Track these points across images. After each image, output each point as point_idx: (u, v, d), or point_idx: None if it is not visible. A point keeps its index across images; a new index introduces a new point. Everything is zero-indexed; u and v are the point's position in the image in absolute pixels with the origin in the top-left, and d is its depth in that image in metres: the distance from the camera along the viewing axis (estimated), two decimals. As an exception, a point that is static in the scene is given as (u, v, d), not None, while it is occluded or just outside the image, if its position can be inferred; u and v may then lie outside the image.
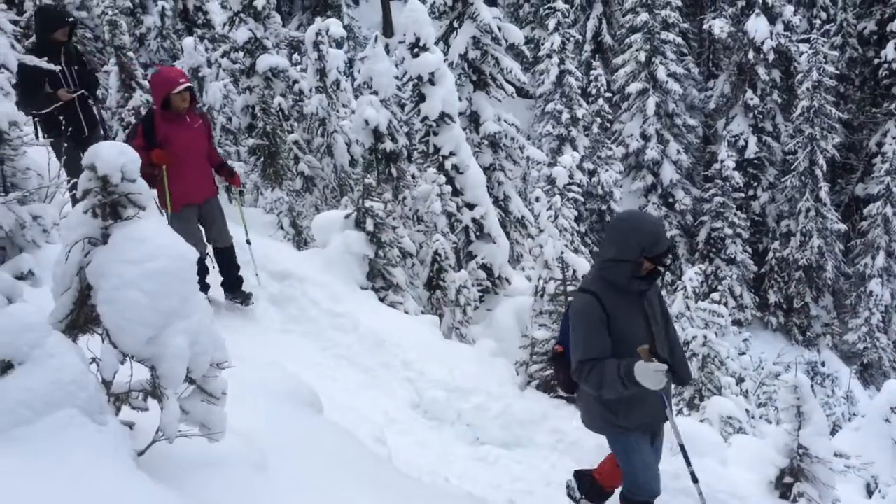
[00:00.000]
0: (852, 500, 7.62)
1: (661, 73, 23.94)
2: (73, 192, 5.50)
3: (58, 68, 6.47)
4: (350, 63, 21.62)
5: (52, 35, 6.57)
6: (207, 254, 6.49)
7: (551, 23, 22.42)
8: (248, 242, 7.05)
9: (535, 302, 9.87)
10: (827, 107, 22.35)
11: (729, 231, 23.06)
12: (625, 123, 25.00)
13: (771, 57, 23.83)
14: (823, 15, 25.12)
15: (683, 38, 25.76)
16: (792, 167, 23.21)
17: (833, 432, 11.62)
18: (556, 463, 6.03)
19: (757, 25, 23.67)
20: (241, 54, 11.86)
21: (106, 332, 2.65)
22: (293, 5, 29.75)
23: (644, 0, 23.97)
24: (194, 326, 2.73)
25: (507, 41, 12.60)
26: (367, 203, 8.34)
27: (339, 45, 13.05)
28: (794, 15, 24.24)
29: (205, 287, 6.42)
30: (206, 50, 12.38)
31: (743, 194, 24.02)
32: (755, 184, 24.68)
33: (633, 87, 24.34)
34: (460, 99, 11.62)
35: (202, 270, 6.40)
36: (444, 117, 10.60)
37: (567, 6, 23.34)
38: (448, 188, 10.54)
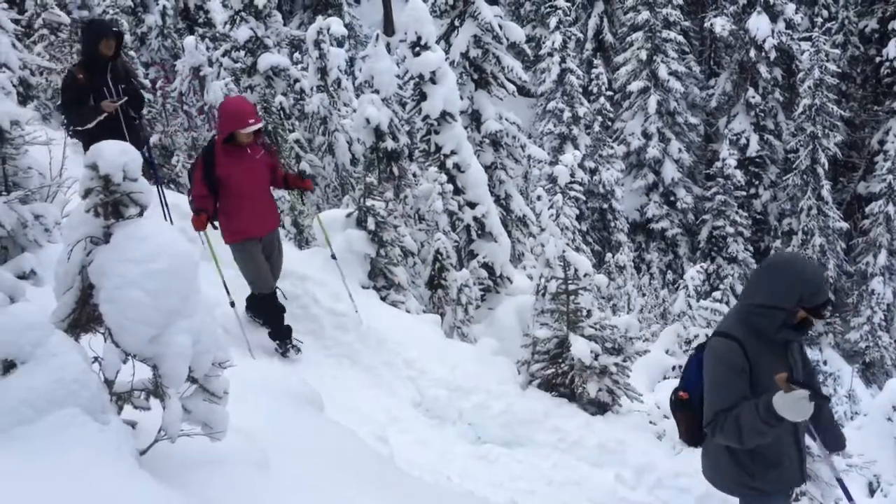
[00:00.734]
0: (854, 498, 7.62)
1: (663, 72, 23.92)
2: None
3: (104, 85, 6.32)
4: (351, 62, 21.62)
5: (96, 48, 6.30)
6: (278, 287, 6.19)
7: (552, 21, 22.40)
8: (334, 257, 6.88)
9: (537, 301, 9.86)
10: (829, 105, 22.32)
11: (730, 229, 23.03)
12: (626, 122, 24.98)
13: (772, 55, 23.80)
14: (825, 13, 25.08)
15: (685, 37, 25.73)
16: (794, 165, 23.18)
17: (835, 431, 11.59)
18: (557, 462, 6.04)
19: (758, 23, 23.64)
20: (242, 53, 11.86)
21: (108, 331, 2.65)
22: (294, 4, 29.76)
23: (645, -2, 23.96)
24: (196, 325, 2.74)
25: (508, 40, 12.59)
26: (369, 202, 8.34)
27: (340, 44, 13.06)
28: (796, 13, 24.20)
29: (287, 331, 6.22)
30: (207, 49, 12.39)
31: (745, 193, 23.99)
32: (757, 182, 24.65)
33: (635, 86, 24.32)
34: (461, 97, 11.62)
35: (277, 307, 6.15)
36: (445, 116, 10.59)
37: (568, 4, 23.34)
38: (449, 187, 10.54)
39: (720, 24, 24.78)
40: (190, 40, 11.57)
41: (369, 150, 10.40)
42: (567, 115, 22.26)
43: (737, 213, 23.15)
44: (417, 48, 10.37)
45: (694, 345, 10.52)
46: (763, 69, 24.07)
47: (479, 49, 12.33)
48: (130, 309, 2.56)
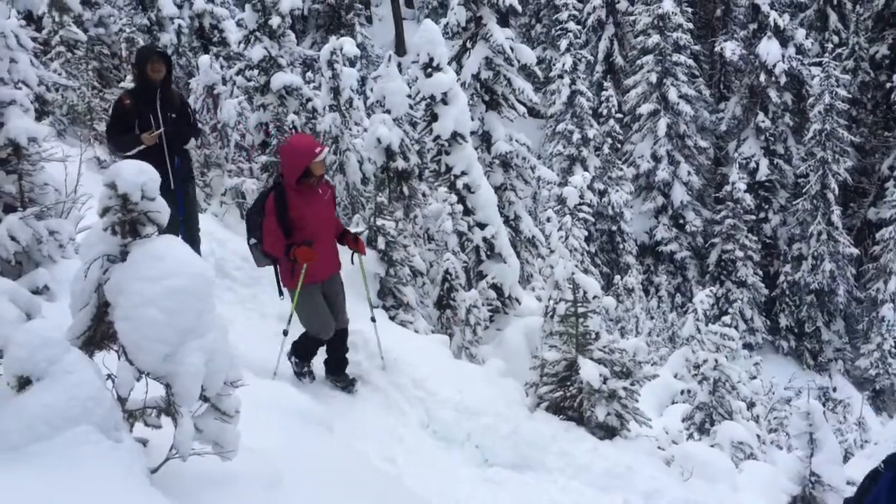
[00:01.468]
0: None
1: (673, 95, 24.00)
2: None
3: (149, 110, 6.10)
4: (363, 81, 21.75)
5: (144, 71, 6.07)
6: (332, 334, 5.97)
7: (563, 43, 22.54)
8: (373, 320, 6.49)
9: (545, 322, 9.87)
10: (839, 130, 22.33)
11: (740, 253, 22.97)
12: (635, 144, 25.03)
13: (783, 80, 23.86)
14: (835, 38, 25.15)
15: (695, 60, 25.83)
16: (803, 190, 23.16)
17: (845, 459, 11.50)
18: (564, 486, 6.00)
19: (769, 48, 23.72)
20: (255, 72, 11.93)
21: (122, 349, 2.67)
22: (307, 24, 30.01)
23: (656, 22, 24.07)
24: (210, 344, 2.75)
25: (519, 62, 12.67)
26: (379, 221, 8.37)
27: (352, 64, 13.12)
28: (807, 38, 24.28)
29: (351, 384, 6.16)
30: (222, 68, 12.47)
31: (754, 217, 23.96)
32: (766, 206, 24.62)
33: (645, 108, 24.40)
34: (472, 118, 11.68)
35: (342, 346, 6.06)
36: (456, 137, 10.65)
37: (579, 27, 23.47)
38: (459, 207, 10.56)
39: (730, 49, 24.88)
40: (204, 59, 11.64)
41: (380, 169, 10.44)
42: (577, 136, 22.34)
43: (746, 237, 23.11)
44: (429, 69, 10.45)
45: (703, 369, 10.44)
46: (773, 94, 24.12)
47: (490, 71, 12.41)
48: (145, 327, 2.58)
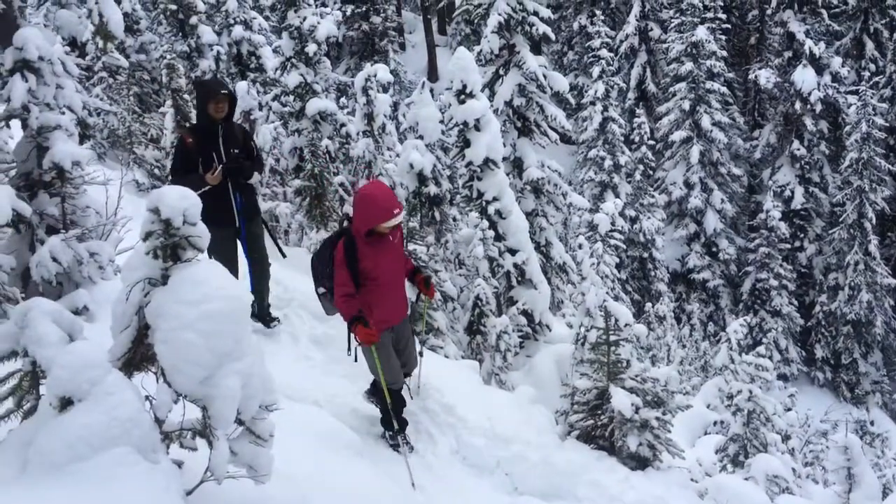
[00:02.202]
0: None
1: (706, 122, 23.86)
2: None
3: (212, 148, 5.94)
4: (395, 106, 21.96)
5: (205, 110, 5.91)
6: (405, 383, 5.81)
7: (595, 71, 22.59)
8: (421, 355, 6.25)
9: (576, 350, 9.80)
10: (876, 159, 22.00)
11: (774, 282, 22.63)
12: (668, 171, 24.88)
13: (818, 108, 23.61)
14: (872, 67, 24.86)
15: (729, 88, 25.68)
16: (840, 219, 22.80)
17: (884, 495, 11.19)
18: (595, 516, 5.92)
19: (804, 76, 23.52)
20: (291, 98, 12.14)
21: (161, 371, 2.72)
22: (341, 50, 30.47)
23: (689, 50, 24.03)
24: (246, 368, 2.79)
25: (551, 88, 12.74)
26: (410, 246, 8.41)
27: (385, 90, 13.29)
28: (843, 66, 24.04)
29: (403, 424, 5.85)
30: (258, 93, 12.71)
31: (789, 245, 23.63)
32: (802, 235, 24.27)
33: (677, 135, 24.28)
34: (504, 145, 11.73)
35: (401, 399, 5.77)
36: (488, 163, 10.70)
37: (611, 55, 23.51)
38: (491, 233, 10.58)
39: (765, 77, 24.71)
40: (242, 85, 11.89)
41: (412, 194, 10.52)
42: (608, 163, 22.28)
43: (781, 265, 22.78)
44: (463, 96, 10.54)
45: (737, 399, 10.26)
46: (808, 122, 23.87)
47: (522, 98, 12.49)
48: (184, 350, 2.63)
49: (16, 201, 4.51)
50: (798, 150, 24.12)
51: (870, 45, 25.14)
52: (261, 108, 12.38)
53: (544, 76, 12.50)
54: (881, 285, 22.19)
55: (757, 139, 26.55)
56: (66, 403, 2.46)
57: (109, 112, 10.94)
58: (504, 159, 11.75)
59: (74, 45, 12.15)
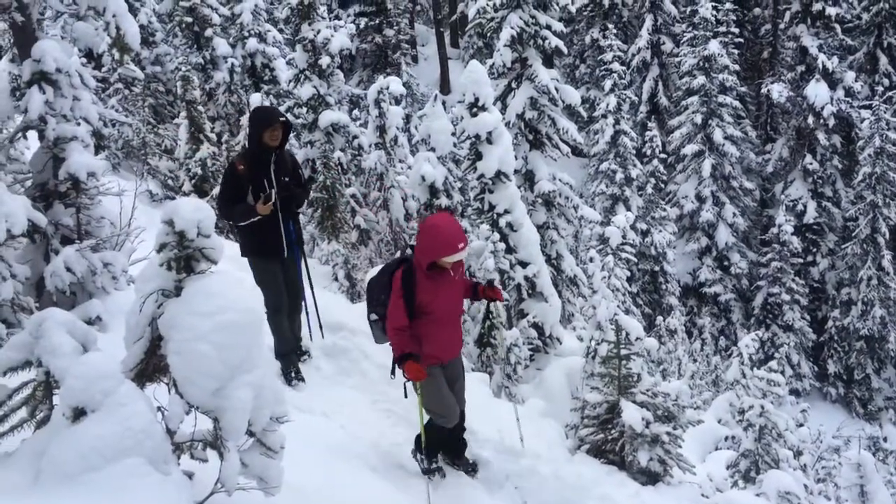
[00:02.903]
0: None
1: (718, 136, 23.83)
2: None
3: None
4: (407, 118, 22.05)
5: (260, 138, 5.68)
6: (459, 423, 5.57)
7: (607, 84, 22.62)
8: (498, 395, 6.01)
9: (587, 363, 9.76)
10: (890, 174, 21.89)
11: (786, 297, 22.51)
12: (679, 184, 24.84)
13: (831, 122, 23.54)
14: (886, 81, 24.78)
15: (741, 102, 25.65)
16: (853, 234, 22.68)
17: (898, 513, 11.06)
18: (605, 532, 5.88)
19: (817, 91, 23.47)
20: (304, 110, 12.23)
21: (174, 382, 2.73)
22: (354, 63, 30.63)
23: (701, 63, 24.03)
24: (257, 380, 2.80)
25: (563, 102, 12.75)
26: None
27: (397, 102, 13.38)
28: (856, 81, 23.98)
29: (472, 468, 5.75)
30: (272, 105, 12.81)
31: (801, 260, 23.50)
32: (814, 250, 24.15)
33: (689, 149, 24.25)
34: (516, 157, 11.74)
35: (461, 441, 5.67)
36: (500, 175, 10.70)
37: (623, 68, 23.54)
38: (502, 245, 10.58)
39: (777, 91, 24.67)
40: (256, 97, 12.01)
41: (423, 206, 10.54)
42: (620, 176, 22.26)
43: (793, 280, 22.65)
44: (475, 109, 10.56)
45: (748, 415, 10.20)
46: (821, 136, 23.80)
47: (534, 111, 12.51)
48: (197, 361, 2.64)
49: (31, 211, 4.55)
50: (811, 164, 24.04)
51: (883, 60, 25.07)
52: (274, 119, 12.46)
53: (556, 89, 12.52)
54: (894, 301, 22.03)
55: (769, 153, 26.48)
56: (79, 414, 2.48)
57: (124, 123, 11.05)
58: (516, 172, 11.76)
59: (91, 56, 12.30)
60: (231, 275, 2.98)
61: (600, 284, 10.65)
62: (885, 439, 19.90)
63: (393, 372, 5.30)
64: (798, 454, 11.17)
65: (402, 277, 4.86)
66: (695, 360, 18.55)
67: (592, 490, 6.20)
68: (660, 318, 19.31)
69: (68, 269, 4.88)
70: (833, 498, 11.85)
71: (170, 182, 11.42)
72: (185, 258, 2.76)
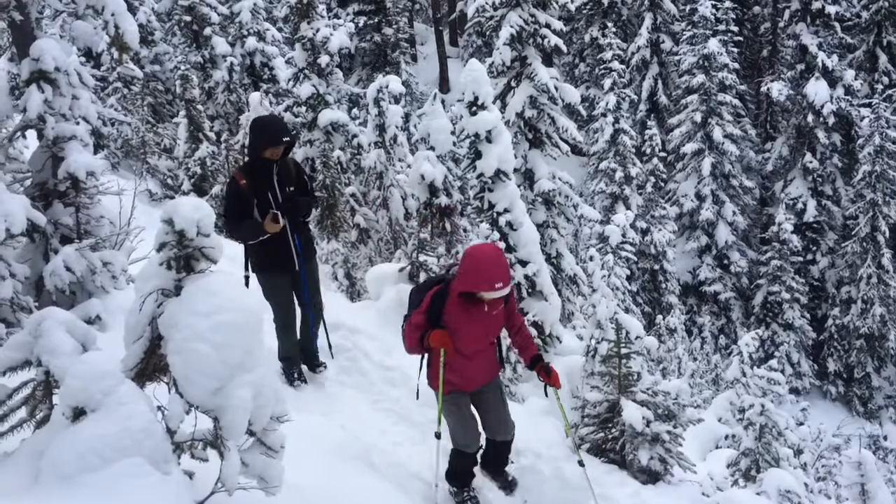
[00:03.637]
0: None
1: (718, 134, 23.83)
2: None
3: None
4: (406, 117, 22.04)
5: (262, 152, 5.47)
6: (481, 446, 5.33)
7: (607, 82, 22.61)
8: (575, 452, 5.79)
9: (587, 362, 9.74)
10: (889, 172, 21.89)
11: (786, 295, 22.51)
12: (679, 183, 24.83)
13: (831, 121, 23.53)
14: (885, 79, 24.78)
15: (741, 100, 25.64)
16: (853, 232, 22.68)
17: (898, 512, 11.06)
18: (606, 531, 5.88)
19: (816, 89, 23.46)
20: (303, 108, 12.22)
21: (174, 382, 2.72)
22: (353, 61, 30.59)
23: (701, 62, 24.02)
24: (258, 379, 2.79)
25: (563, 100, 12.74)
26: (421, 257, 8.42)
27: (397, 101, 13.38)
28: (856, 79, 23.98)
29: (509, 486, 5.64)
30: (271, 104, 12.80)
31: (801, 258, 23.51)
32: (814, 248, 24.15)
33: (689, 148, 24.25)
34: (516, 156, 11.72)
35: (471, 470, 5.41)
36: (499, 174, 10.67)
37: (623, 67, 23.53)
38: (501, 244, 10.55)
39: (777, 89, 24.66)
40: (255, 96, 11.97)
41: (423, 205, 10.53)
42: (619, 175, 22.25)
43: (793, 278, 22.66)
44: (474, 108, 10.52)
45: (748, 414, 10.20)
46: (821, 134, 23.79)
47: (534, 109, 12.49)
48: (196, 361, 2.63)
49: (30, 211, 4.54)
50: (810, 162, 24.04)
51: (883, 58, 25.08)
52: (273, 118, 12.44)
53: (556, 88, 12.50)
54: (894, 299, 22.03)
55: (769, 151, 26.48)
56: (78, 413, 2.47)
57: (124, 122, 11.04)
58: (515, 171, 11.73)
59: (90, 55, 12.29)
60: (231, 274, 2.97)
61: (600, 283, 10.62)
62: (885, 437, 19.90)
63: (418, 395, 5.37)
64: (798, 453, 11.17)
65: (433, 297, 4.70)
66: (695, 359, 18.56)
67: (593, 489, 6.19)
68: (660, 316, 19.32)
69: (68, 269, 4.87)
70: (833, 496, 11.85)
71: (169, 181, 11.41)
72: (184, 257, 2.75)
